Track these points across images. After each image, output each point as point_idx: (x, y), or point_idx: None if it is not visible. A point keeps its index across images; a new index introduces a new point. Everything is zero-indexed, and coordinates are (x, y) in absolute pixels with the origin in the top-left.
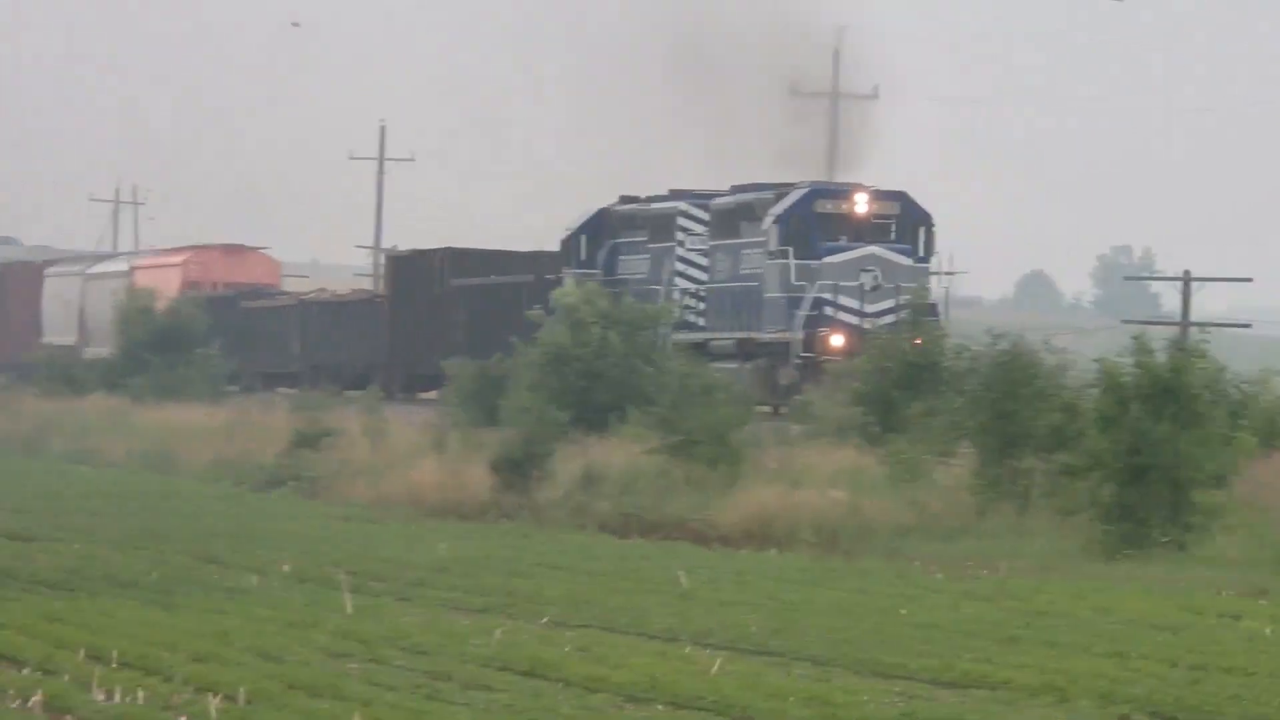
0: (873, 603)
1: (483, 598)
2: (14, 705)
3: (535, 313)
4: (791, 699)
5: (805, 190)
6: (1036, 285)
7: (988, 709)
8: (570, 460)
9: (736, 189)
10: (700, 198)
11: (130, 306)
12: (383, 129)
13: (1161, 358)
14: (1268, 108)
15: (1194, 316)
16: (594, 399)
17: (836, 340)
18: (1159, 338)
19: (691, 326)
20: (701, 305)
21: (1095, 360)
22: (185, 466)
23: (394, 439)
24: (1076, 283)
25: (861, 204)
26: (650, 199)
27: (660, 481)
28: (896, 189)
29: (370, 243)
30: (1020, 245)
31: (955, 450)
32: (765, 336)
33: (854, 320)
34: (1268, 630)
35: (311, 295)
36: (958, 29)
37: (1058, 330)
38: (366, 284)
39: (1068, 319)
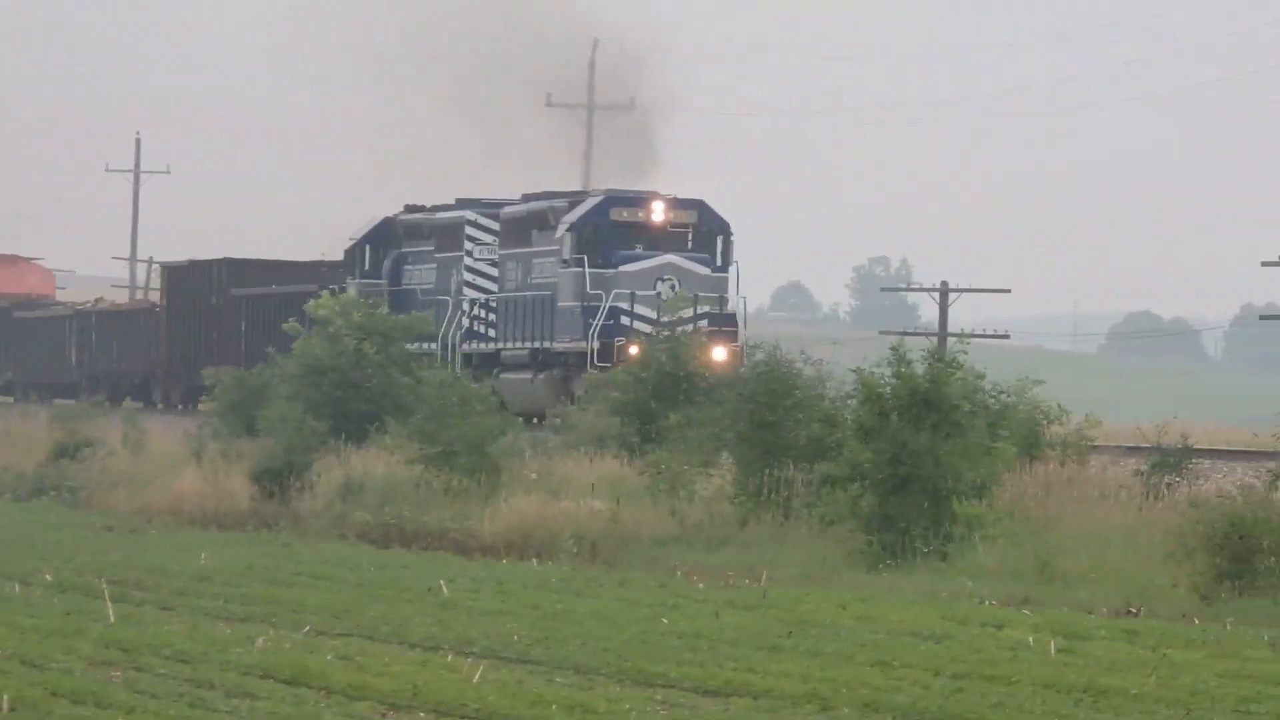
0: (635, 612)
1: (245, 607)
2: None
3: (291, 324)
4: (554, 706)
5: (600, 198)
6: (793, 295)
7: (751, 717)
8: (330, 470)
9: (527, 197)
10: (489, 206)
11: None
12: (138, 141)
13: (920, 368)
14: (1025, 122)
15: (951, 328)
16: (352, 409)
17: (633, 350)
18: (917, 348)
19: (482, 337)
20: (492, 316)
21: (853, 370)
22: None
23: (155, 449)
24: (833, 294)
25: (658, 212)
26: (436, 208)
27: (420, 492)
28: (695, 197)
29: (126, 254)
30: (776, 256)
31: (716, 461)
32: (559, 346)
33: (651, 330)
34: (1030, 639)
35: (88, 305)
36: (730, 41)
37: (814, 341)
38: (123, 295)
39: (824, 329)
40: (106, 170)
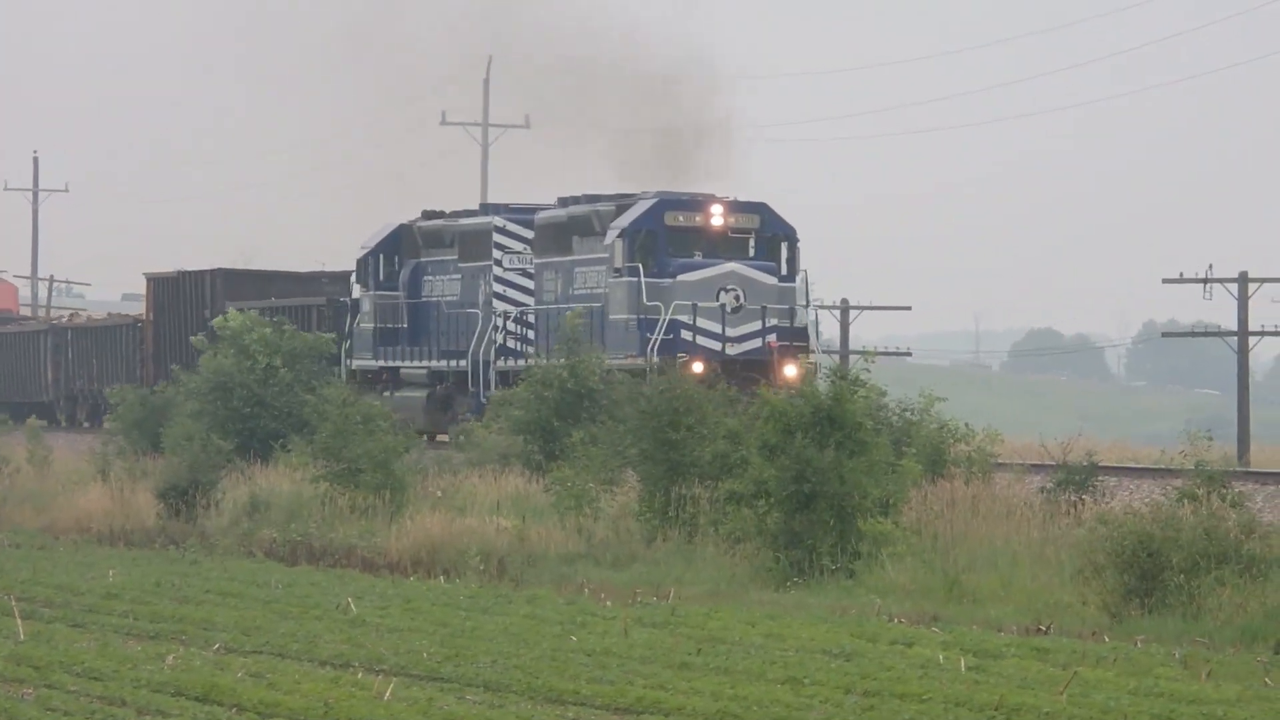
0: (544, 629)
1: (154, 624)
2: None
3: (198, 339)
4: None
5: (653, 201)
6: None
7: None
8: (236, 488)
9: (564, 201)
10: (518, 211)
11: None
12: (35, 159)
13: (823, 385)
14: (926, 138)
15: (852, 345)
16: (260, 427)
17: (697, 368)
18: (819, 366)
19: (518, 354)
20: (530, 331)
21: (756, 390)
22: None
23: (60, 466)
24: None
25: (717, 215)
26: (457, 214)
27: (325, 509)
28: (758, 200)
29: (27, 273)
30: None
31: (620, 478)
32: (613, 363)
33: (716, 345)
34: (940, 657)
35: (64, 320)
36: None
37: None
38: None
39: None
40: (5, 189)
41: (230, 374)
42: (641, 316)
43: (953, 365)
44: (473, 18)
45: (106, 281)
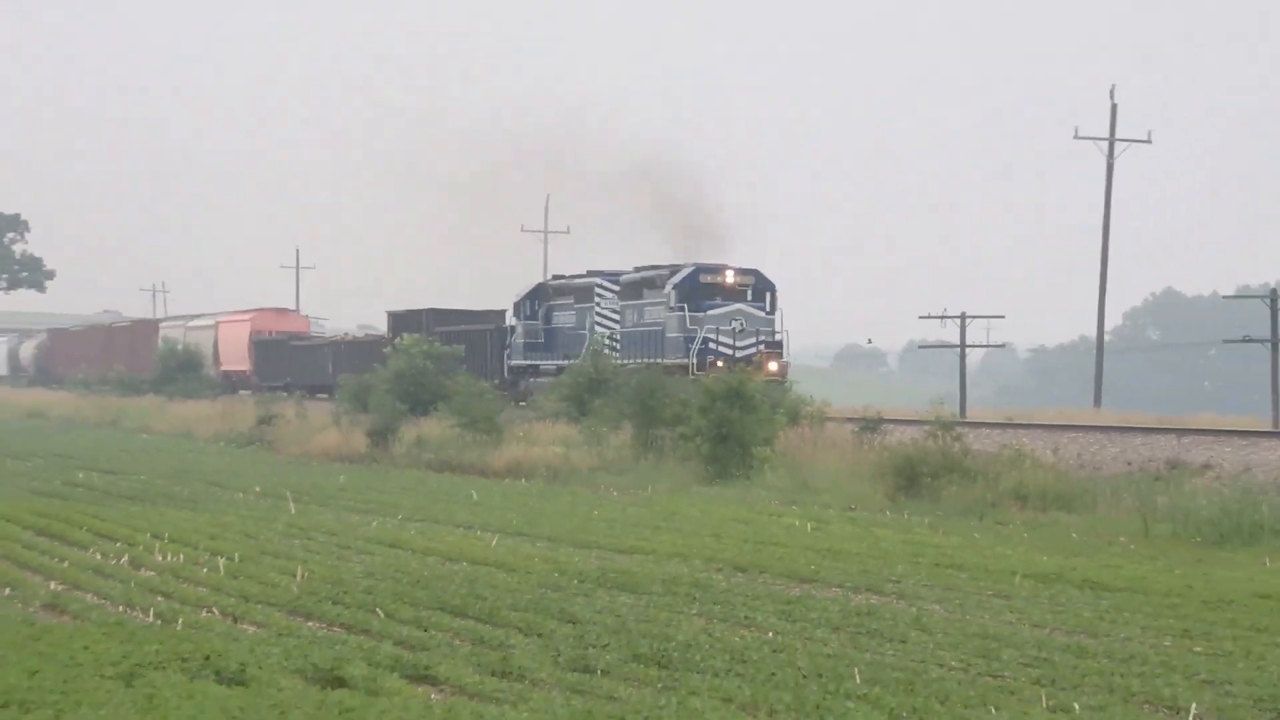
0: (578, 508)
1: (365, 505)
2: (112, 562)
3: (388, 349)
4: (536, 559)
5: (692, 268)
6: None
7: (645, 564)
8: (409, 430)
9: (638, 269)
10: (609, 275)
11: (163, 348)
12: (296, 251)
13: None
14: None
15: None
16: (420, 397)
17: (718, 365)
18: (789, 364)
19: (609, 355)
20: (616, 344)
21: (693, 377)
22: (199, 435)
23: (314, 419)
24: None
25: (730, 276)
26: (573, 276)
27: (459, 442)
28: (753, 267)
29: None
30: None
31: (620, 425)
32: (668, 362)
33: (729, 352)
34: (796, 523)
35: (338, 338)
36: None
37: None
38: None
39: None
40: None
41: (402, 370)
42: (686, 335)
43: (799, 364)
44: (545, 171)
45: (343, 315)
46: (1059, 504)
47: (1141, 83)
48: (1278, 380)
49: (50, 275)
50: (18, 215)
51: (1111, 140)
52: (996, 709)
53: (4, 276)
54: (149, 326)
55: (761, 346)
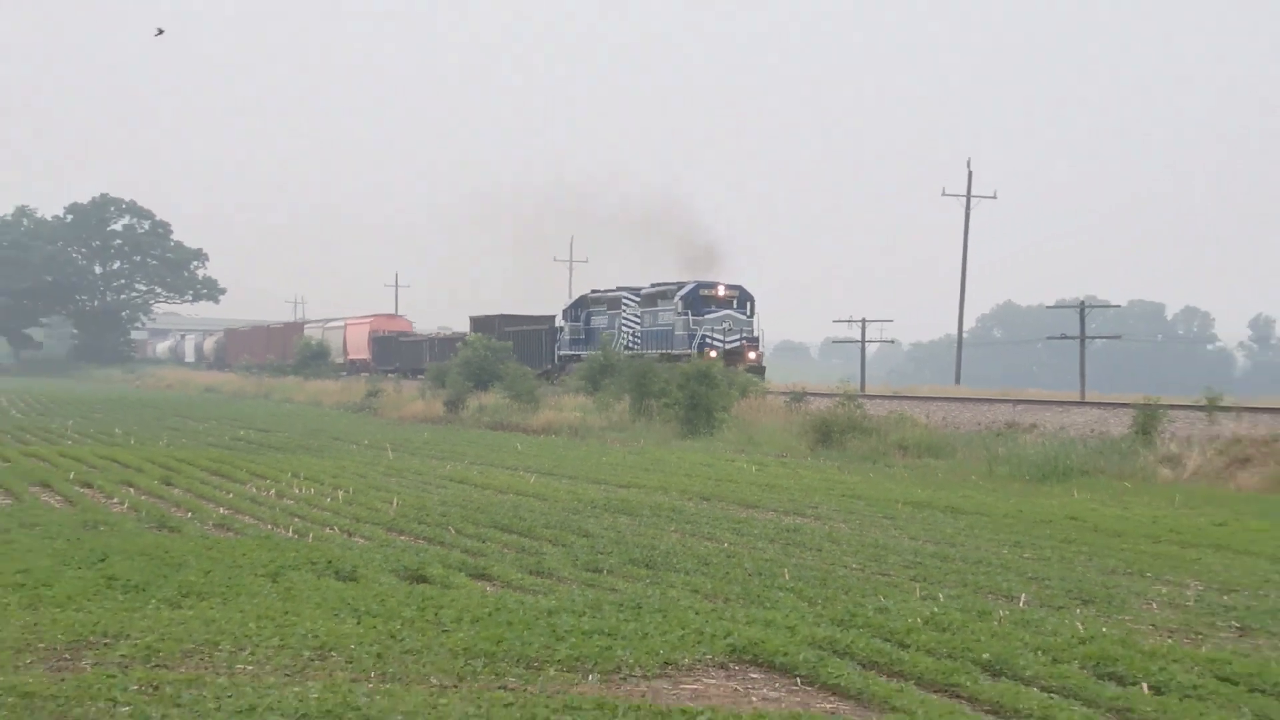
0: (591, 455)
1: (441, 454)
2: (263, 494)
3: (460, 344)
4: (561, 491)
5: (694, 284)
6: None
7: (638, 495)
8: (474, 400)
9: (654, 284)
10: (632, 290)
11: (302, 342)
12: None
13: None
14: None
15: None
16: (482, 377)
17: (712, 355)
18: (763, 354)
19: (631, 349)
20: (637, 340)
21: (675, 362)
22: (325, 404)
23: (406, 393)
24: None
25: (720, 290)
26: (606, 290)
27: (508, 408)
28: (738, 283)
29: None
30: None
31: (621, 397)
32: (676, 352)
33: (720, 345)
34: (744, 466)
35: (431, 335)
36: None
37: None
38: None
39: None
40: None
41: (469, 358)
42: (689, 333)
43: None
44: (571, 216)
45: (432, 318)
46: (929, 452)
47: (992, 150)
48: (1084, 366)
49: (223, 291)
50: (200, 249)
51: (968, 197)
52: (884, 597)
53: (190, 293)
54: (295, 327)
55: (743, 341)
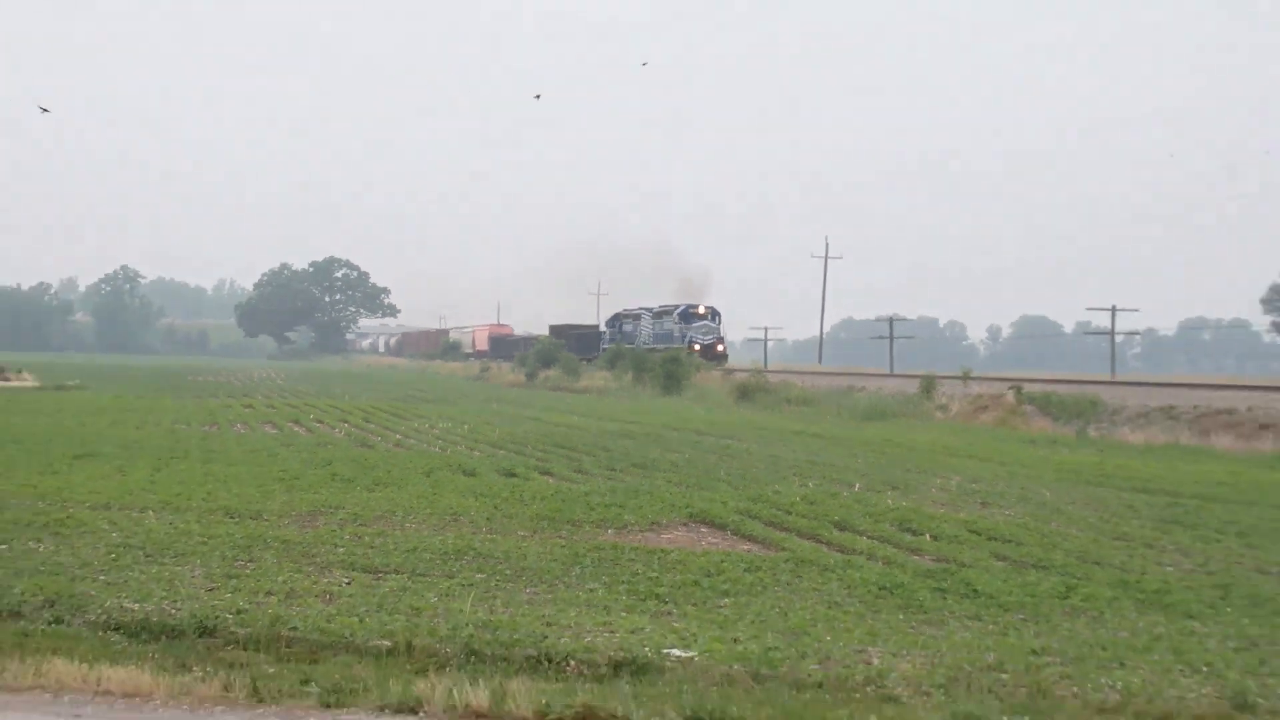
0: (609, 406)
1: (522, 404)
2: (421, 428)
3: (537, 342)
4: (592, 425)
5: (685, 306)
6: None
7: (635, 427)
8: (543, 374)
9: (660, 306)
10: (646, 309)
11: (445, 341)
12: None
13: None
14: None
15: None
16: (548, 360)
17: (695, 348)
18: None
19: (647, 345)
20: (651, 339)
21: (656, 349)
22: (459, 376)
23: (505, 370)
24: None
25: (701, 309)
26: (630, 309)
27: (563, 379)
28: (711, 305)
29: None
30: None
31: (628, 372)
32: (674, 347)
33: (700, 342)
34: (699, 411)
35: (525, 336)
36: None
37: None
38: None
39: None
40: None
41: (540, 349)
42: (682, 335)
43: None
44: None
45: (522, 326)
46: (804, 403)
47: (848, 222)
48: (892, 356)
49: (399, 311)
50: (385, 287)
51: (825, 263)
52: (778, 485)
53: (380, 312)
54: (442, 332)
55: (715, 340)
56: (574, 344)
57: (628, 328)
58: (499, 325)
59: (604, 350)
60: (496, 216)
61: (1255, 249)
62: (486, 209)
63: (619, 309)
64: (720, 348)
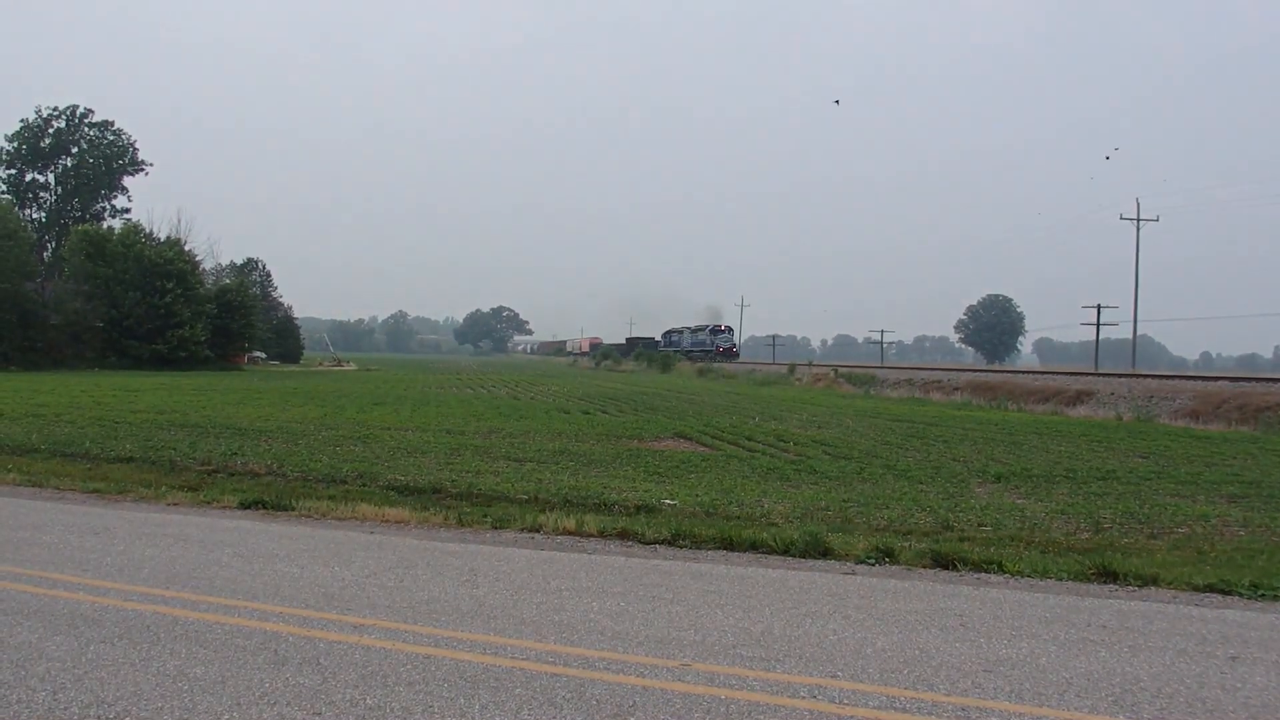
0: (639, 379)
1: (600, 379)
2: (539, 387)
3: (612, 348)
4: (625, 389)
5: (713, 325)
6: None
7: (647, 389)
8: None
9: (697, 325)
10: (689, 327)
11: (562, 346)
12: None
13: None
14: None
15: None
16: (614, 357)
17: (720, 350)
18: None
19: (689, 350)
20: (690, 346)
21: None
22: (564, 365)
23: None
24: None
25: (722, 326)
26: (676, 327)
27: (636, 367)
28: (729, 324)
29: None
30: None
31: (643, 361)
32: (708, 349)
33: (723, 346)
34: (679, 381)
35: (609, 344)
36: None
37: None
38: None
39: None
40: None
41: (605, 350)
42: (714, 343)
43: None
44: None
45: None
46: (730, 377)
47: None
48: (774, 354)
49: (532, 332)
50: (527, 320)
51: (741, 308)
52: (718, 417)
53: (523, 331)
54: (561, 342)
55: (731, 345)
56: (642, 347)
57: (674, 338)
58: (594, 338)
59: (660, 352)
60: (591, 264)
61: (957, 286)
62: (587, 260)
63: (668, 327)
64: (734, 349)
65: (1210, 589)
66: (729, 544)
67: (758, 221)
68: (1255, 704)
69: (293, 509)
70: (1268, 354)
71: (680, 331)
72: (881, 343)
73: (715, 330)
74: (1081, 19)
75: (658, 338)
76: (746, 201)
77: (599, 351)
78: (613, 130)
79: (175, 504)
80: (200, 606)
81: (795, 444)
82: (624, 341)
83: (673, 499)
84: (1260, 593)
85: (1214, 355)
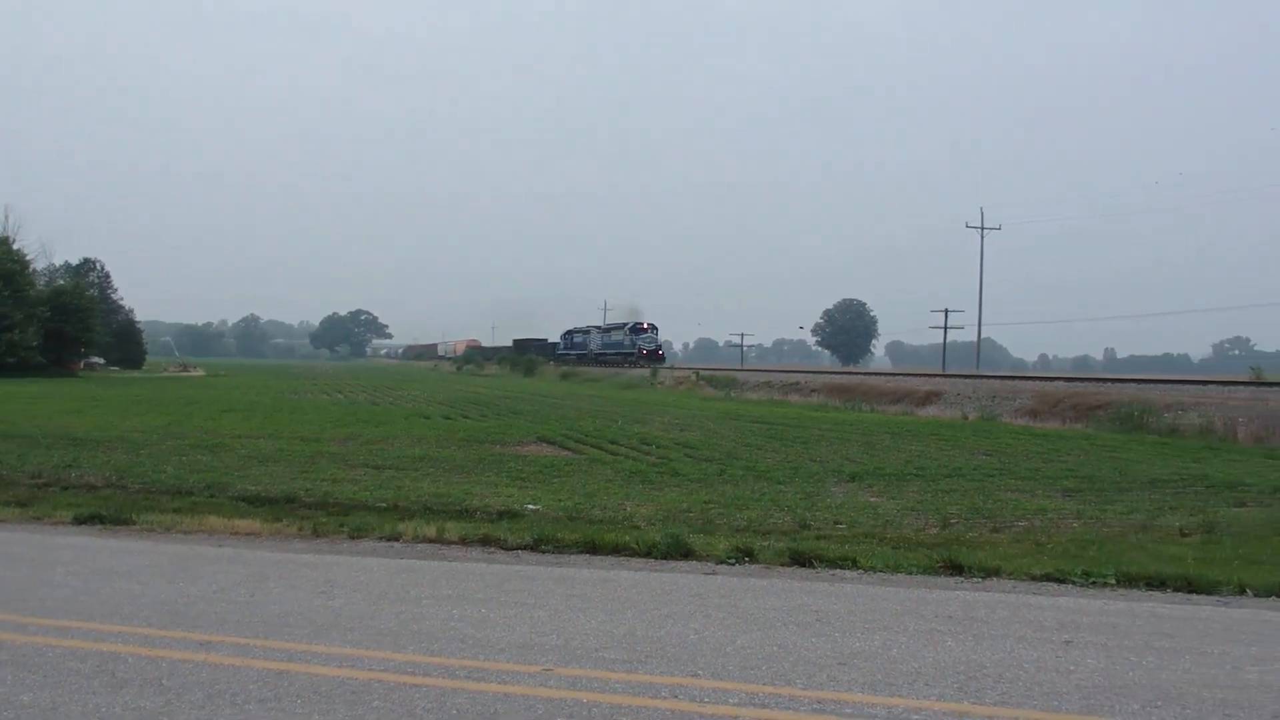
0: (564, 385)
1: (471, 384)
2: (414, 394)
3: (496, 350)
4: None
5: (633, 323)
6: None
7: (516, 395)
8: (492, 368)
9: (610, 323)
10: (596, 326)
11: (435, 349)
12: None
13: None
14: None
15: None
16: (516, 364)
17: (643, 352)
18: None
19: (598, 353)
20: (599, 347)
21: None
22: (443, 370)
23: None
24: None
25: (644, 324)
26: (580, 327)
27: (509, 373)
28: (653, 322)
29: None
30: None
31: (506, 364)
32: (625, 352)
33: (645, 349)
34: (544, 386)
35: (488, 347)
36: None
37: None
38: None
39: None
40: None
41: (502, 358)
42: (632, 344)
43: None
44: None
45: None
46: (594, 380)
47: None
48: (743, 356)
49: (391, 335)
50: (386, 324)
51: (605, 314)
52: (581, 421)
53: (382, 335)
54: (434, 346)
55: (656, 347)
56: (535, 351)
57: (578, 339)
58: (471, 339)
59: (558, 354)
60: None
61: (815, 291)
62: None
63: (570, 326)
64: (660, 352)
65: (1047, 578)
66: (592, 548)
67: (624, 224)
68: (1088, 685)
69: (134, 523)
70: (1099, 355)
71: (585, 331)
72: (742, 346)
73: (636, 330)
74: (949, 49)
75: (554, 339)
76: (608, 204)
77: (462, 356)
78: (475, 128)
79: (2, 521)
80: (29, 629)
81: (658, 447)
82: (511, 344)
83: (536, 504)
84: (1092, 580)
85: (1050, 357)
